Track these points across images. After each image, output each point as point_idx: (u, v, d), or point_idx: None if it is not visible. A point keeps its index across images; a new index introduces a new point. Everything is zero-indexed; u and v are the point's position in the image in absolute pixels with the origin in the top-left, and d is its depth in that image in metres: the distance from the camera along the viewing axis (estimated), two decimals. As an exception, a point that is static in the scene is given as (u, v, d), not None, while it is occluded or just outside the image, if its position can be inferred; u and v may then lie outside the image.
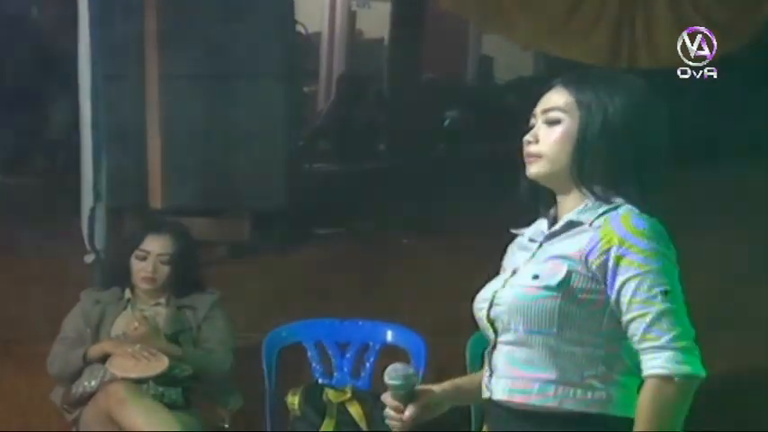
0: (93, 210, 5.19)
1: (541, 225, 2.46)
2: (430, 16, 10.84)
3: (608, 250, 2.26)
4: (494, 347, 2.41)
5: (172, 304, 4.40)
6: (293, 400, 4.27)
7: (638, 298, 2.23)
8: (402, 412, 2.41)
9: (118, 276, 4.49)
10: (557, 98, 2.41)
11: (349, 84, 11.05)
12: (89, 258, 5.25)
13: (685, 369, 2.20)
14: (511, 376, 2.36)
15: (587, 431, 2.30)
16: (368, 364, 4.46)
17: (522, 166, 2.44)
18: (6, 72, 8.87)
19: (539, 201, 2.48)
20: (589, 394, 2.30)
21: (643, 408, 2.22)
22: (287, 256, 6.64)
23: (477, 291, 2.48)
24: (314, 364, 4.46)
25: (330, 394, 4.28)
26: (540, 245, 2.41)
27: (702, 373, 2.22)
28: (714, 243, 6.07)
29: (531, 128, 2.44)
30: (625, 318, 2.26)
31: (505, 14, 6.27)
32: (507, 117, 10.72)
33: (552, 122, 2.39)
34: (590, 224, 2.32)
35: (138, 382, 4.14)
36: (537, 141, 2.40)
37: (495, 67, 13.21)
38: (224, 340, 4.35)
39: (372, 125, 10.81)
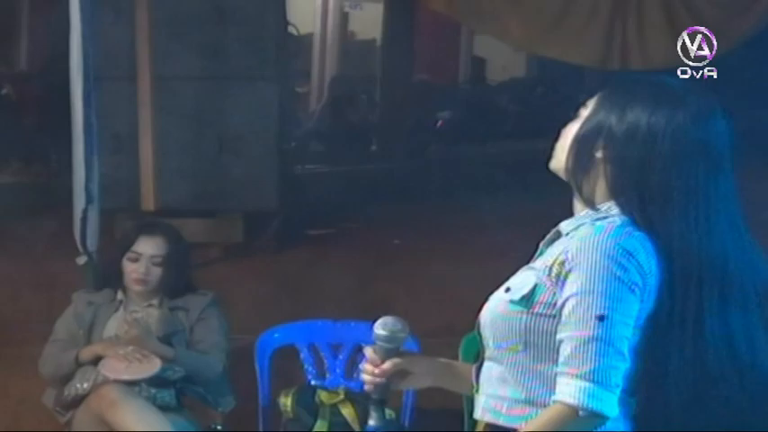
0: (85, 211, 5.17)
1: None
2: (422, 18, 10.85)
3: (563, 263, 2.12)
4: (482, 362, 2.28)
5: (164, 306, 4.39)
6: (286, 401, 4.26)
7: (573, 318, 2.09)
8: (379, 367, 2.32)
9: (110, 278, 4.48)
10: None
11: (341, 85, 11.07)
12: (81, 260, 5.23)
13: (594, 405, 2.06)
14: (486, 393, 2.25)
15: None
16: (360, 366, 4.44)
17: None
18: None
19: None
20: None
21: (538, 423, 2.12)
22: (280, 257, 6.64)
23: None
24: (307, 366, 4.45)
25: (323, 396, 4.27)
26: (542, 251, 2.26)
27: (612, 414, 2.07)
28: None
29: None
30: (558, 335, 2.12)
31: (497, 16, 6.29)
32: (499, 118, 10.77)
33: (574, 119, 2.26)
34: (566, 234, 2.20)
35: (131, 383, 4.12)
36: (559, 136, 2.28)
37: (487, 69, 13.23)
38: (217, 342, 4.33)
39: (364, 126, 10.82)
